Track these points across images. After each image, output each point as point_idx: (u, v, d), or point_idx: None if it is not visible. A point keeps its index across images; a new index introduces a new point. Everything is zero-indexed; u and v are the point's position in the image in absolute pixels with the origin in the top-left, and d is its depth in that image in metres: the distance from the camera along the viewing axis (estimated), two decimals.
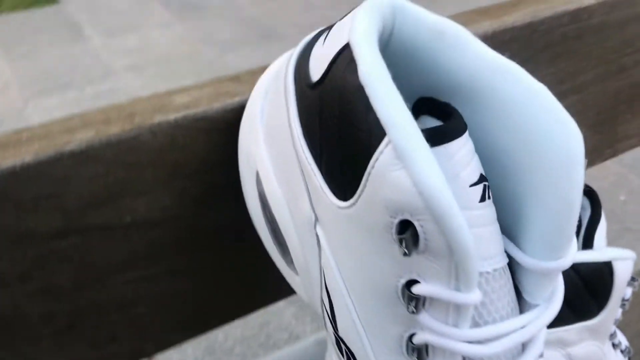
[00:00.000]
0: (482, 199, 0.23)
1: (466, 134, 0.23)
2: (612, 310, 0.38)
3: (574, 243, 0.24)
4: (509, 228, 0.25)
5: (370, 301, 0.24)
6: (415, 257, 0.22)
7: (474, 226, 0.23)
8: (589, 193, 0.39)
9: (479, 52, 0.24)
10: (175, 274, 0.36)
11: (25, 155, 0.29)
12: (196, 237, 0.35)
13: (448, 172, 0.23)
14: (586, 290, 0.36)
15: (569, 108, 0.48)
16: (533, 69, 0.44)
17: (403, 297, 0.23)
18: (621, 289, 0.38)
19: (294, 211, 0.27)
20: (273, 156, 0.28)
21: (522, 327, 0.24)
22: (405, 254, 0.21)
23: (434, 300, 0.22)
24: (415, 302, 0.22)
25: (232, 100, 0.34)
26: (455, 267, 0.21)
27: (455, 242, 0.20)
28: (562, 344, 0.38)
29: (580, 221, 0.40)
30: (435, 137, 0.22)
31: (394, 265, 0.22)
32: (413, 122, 0.21)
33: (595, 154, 0.52)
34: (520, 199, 0.24)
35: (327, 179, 0.24)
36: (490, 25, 0.41)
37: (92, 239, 0.32)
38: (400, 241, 0.21)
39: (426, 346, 0.23)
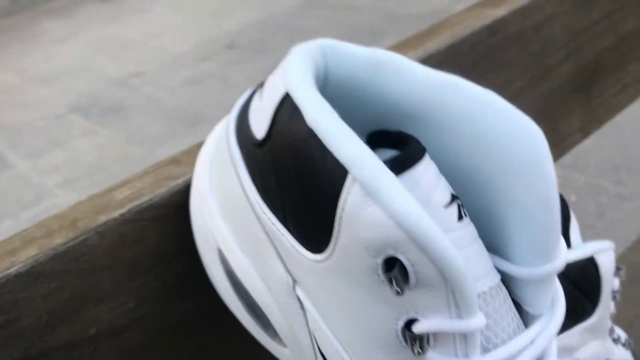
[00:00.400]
0: (460, 218, 0.22)
1: (427, 157, 0.22)
2: (606, 305, 0.38)
3: (563, 243, 0.23)
4: (493, 244, 0.24)
5: (373, 355, 0.22)
6: (408, 293, 0.20)
7: (459, 247, 0.22)
8: None
9: (419, 73, 0.23)
10: None
11: None
12: (168, 333, 0.33)
13: (419, 198, 0.22)
14: (577, 291, 0.36)
15: None
16: None
17: (405, 341, 0.21)
18: (609, 281, 0.37)
19: (268, 279, 0.26)
20: (233, 228, 0.27)
21: (532, 342, 0.22)
22: (398, 293, 0.20)
23: (438, 335, 0.21)
24: (419, 343, 0.21)
25: (177, 182, 0.32)
26: (452, 293, 0.20)
27: (446, 266, 0.19)
28: (567, 350, 0.36)
29: None
30: (396, 166, 0.22)
31: (388, 309, 0.21)
32: (373, 154, 0.20)
33: None
34: (498, 211, 0.23)
35: (296, 236, 0.23)
36: (415, 54, 0.41)
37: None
38: (390, 280, 0.20)
39: None
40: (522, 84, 0.48)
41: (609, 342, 0.42)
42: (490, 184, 0.23)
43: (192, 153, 0.34)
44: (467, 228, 0.22)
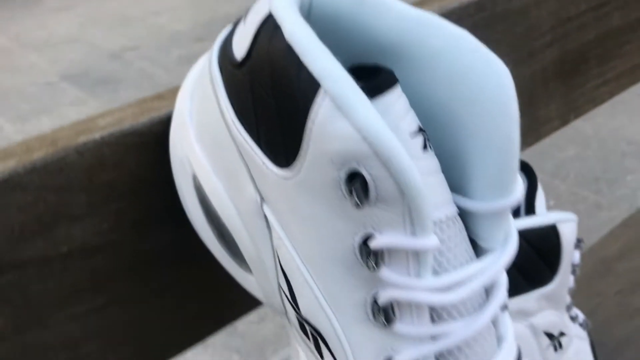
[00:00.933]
0: (424, 149, 0.23)
1: (399, 88, 0.23)
2: (565, 275, 0.39)
3: (519, 180, 0.24)
4: (454, 183, 0.25)
5: (330, 270, 0.23)
6: (367, 209, 0.21)
7: (421, 175, 0.23)
8: (524, 166, 0.40)
9: (400, 11, 0.24)
10: (123, 303, 0.34)
11: None
12: (141, 261, 0.34)
13: (387, 124, 0.23)
14: (537, 256, 0.37)
15: None
16: None
17: (361, 256, 0.22)
18: (569, 252, 0.38)
19: (238, 201, 0.27)
20: (208, 152, 0.28)
21: (482, 272, 0.23)
22: (357, 205, 0.21)
23: (392, 252, 0.22)
24: (374, 258, 0.22)
25: (159, 113, 0.33)
26: (408, 211, 0.21)
27: (405, 183, 0.20)
28: (523, 314, 0.38)
29: None
30: (368, 92, 0.22)
31: (348, 223, 0.22)
32: (346, 72, 0.21)
33: (521, 140, 0.53)
34: (462, 147, 0.24)
35: (267, 153, 0.24)
36: None
37: (29, 274, 0.30)
38: (350, 192, 0.21)
39: (392, 306, 0.23)
40: (506, 64, 0.49)
41: (566, 316, 0.43)
42: (457, 120, 0.24)
43: (176, 90, 0.35)
44: (431, 160, 0.23)
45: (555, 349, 0.42)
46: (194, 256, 0.35)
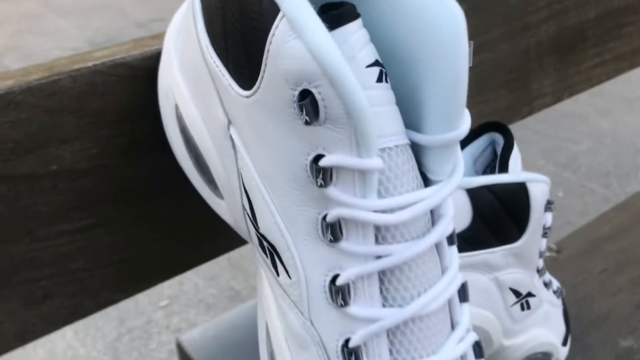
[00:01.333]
0: (379, 81, 0.25)
1: (360, 21, 0.25)
2: (534, 235, 0.40)
3: (467, 114, 0.25)
4: (410, 118, 0.27)
5: (285, 188, 0.25)
6: (317, 128, 0.23)
7: (373, 105, 0.24)
8: (502, 127, 0.41)
9: None
10: (109, 225, 0.36)
11: None
12: (127, 186, 0.36)
13: (344, 53, 0.24)
14: (504, 212, 0.38)
15: (481, 65, 0.50)
16: None
17: (312, 174, 0.24)
18: (539, 212, 0.40)
19: (211, 126, 0.29)
20: (189, 81, 0.30)
21: (427, 198, 0.25)
22: (306, 123, 0.23)
23: (340, 171, 0.24)
24: (323, 176, 0.24)
25: (151, 49, 0.35)
26: (354, 132, 0.23)
27: (351, 104, 0.22)
28: (488, 267, 0.39)
29: (495, 153, 0.42)
30: (330, 22, 0.24)
31: (300, 142, 0.24)
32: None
33: (511, 112, 0.54)
34: (417, 84, 0.26)
35: (233, 75, 0.26)
36: None
37: (20, 188, 0.33)
38: (301, 108, 0.23)
39: (339, 224, 0.25)
40: (498, 35, 0.50)
41: (537, 279, 0.45)
42: (414, 57, 0.25)
43: None
44: (385, 91, 0.25)
45: (523, 308, 0.43)
46: (179, 187, 0.37)
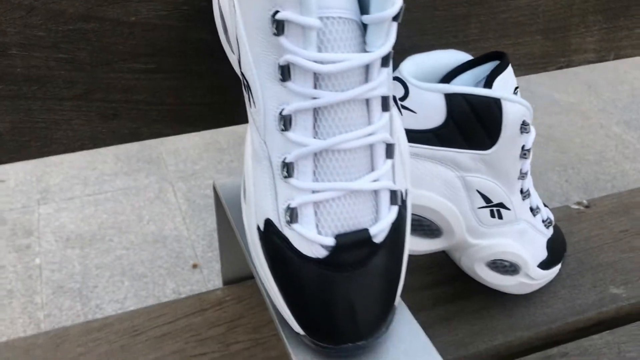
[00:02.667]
0: None
1: None
2: (506, 149, 0.47)
3: (399, 1, 0.34)
4: (365, 4, 0.35)
5: (256, 35, 0.35)
6: None
7: None
8: (500, 55, 0.48)
9: None
10: (167, 73, 0.48)
11: None
12: (184, 45, 0.47)
13: None
14: (476, 120, 0.46)
15: (519, 9, 0.57)
16: None
17: (272, 24, 0.34)
18: (512, 129, 0.47)
19: None
20: None
21: (355, 59, 0.34)
22: None
23: (289, 25, 0.33)
24: (277, 26, 0.33)
25: None
26: None
27: None
28: (455, 165, 0.47)
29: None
30: None
31: (266, 1, 0.34)
32: None
33: (546, 60, 0.60)
34: None
35: None
36: None
37: (106, 28, 0.45)
38: None
39: (289, 67, 0.34)
40: None
41: (516, 197, 0.52)
42: None
43: None
44: None
45: (493, 215, 0.51)
46: (223, 56, 0.48)
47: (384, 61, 0.36)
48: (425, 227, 0.49)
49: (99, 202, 1.47)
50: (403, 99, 0.46)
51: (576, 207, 0.72)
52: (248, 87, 0.37)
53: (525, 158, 0.50)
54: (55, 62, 0.45)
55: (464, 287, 0.60)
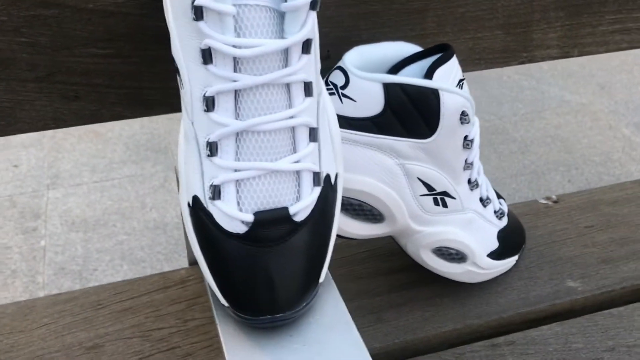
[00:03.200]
0: None
1: None
2: (446, 139, 0.49)
3: None
4: None
5: (181, 21, 0.37)
6: None
7: None
8: (445, 47, 0.50)
9: None
10: (125, 58, 0.50)
11: None
12: (141, 32, 0.50)
13: None
14: (414, 109, 0.47)
15: (478, 3, 0.58)
16: None
17: (192, 11, 0.36)
18: (450, 119, 0.48)
19: None
20: None
21: (271, 44, 0.36)
22: None
23: (207, 11, 0.35)
24: (195, 12, 0.35)
25: None
26: None
27: None
28: (394, 152, 0.49)
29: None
30: None
31: None
32: None
33: (507, 55, 0.61)
34: None
35: None
36: None
37: (66, 15, 0.48)
38: None
39: (210, 52, 0.36)
40: None
41: (462, 187, 0.53)
42: None
43: None
44: None
45: (437, 204, 0.52)
46: None
47: (305, 48, 0.38)
48: (367, 212, 0.51)
49: (105, 189, 1.51)
50: (344, 87, 0.47)
51: (544, 201, 0.73)
52: (177, 70, 0.40)
53: (469, 148, 0.52)
54: (17, 46, 0.48)
55: (419, 276, 0.62)
